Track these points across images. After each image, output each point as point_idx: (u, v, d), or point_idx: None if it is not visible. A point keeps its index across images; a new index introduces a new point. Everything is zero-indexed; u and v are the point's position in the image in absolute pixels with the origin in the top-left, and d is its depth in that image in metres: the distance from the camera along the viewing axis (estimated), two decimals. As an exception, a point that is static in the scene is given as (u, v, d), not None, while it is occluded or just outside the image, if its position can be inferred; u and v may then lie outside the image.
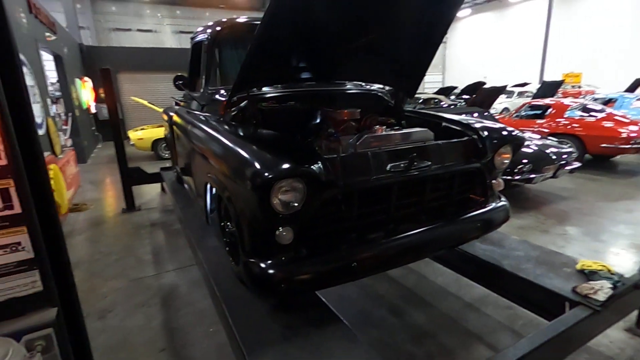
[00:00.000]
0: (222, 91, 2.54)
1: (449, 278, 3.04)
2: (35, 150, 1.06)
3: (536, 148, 4.87)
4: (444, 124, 2.29)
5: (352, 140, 1.86)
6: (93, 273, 3.40)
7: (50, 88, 7.85)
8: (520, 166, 4.48)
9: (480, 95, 9.18)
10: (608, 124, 6.37)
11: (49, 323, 1.00)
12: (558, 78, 14.75)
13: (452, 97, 12.87)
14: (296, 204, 1.50)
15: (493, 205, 2.19)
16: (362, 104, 2.40)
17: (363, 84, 2.72)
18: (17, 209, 1.01)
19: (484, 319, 2.54)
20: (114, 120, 4.90)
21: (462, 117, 2.32)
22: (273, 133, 1.90)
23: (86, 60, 12.36)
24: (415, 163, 1.79)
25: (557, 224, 4.22)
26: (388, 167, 1.75)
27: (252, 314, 1.69)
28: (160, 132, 8.17)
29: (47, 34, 7.53)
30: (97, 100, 11.96)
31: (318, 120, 2.31)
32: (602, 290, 1.76)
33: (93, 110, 11.74)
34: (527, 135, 5.44)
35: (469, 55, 27.30)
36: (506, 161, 2.16)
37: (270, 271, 1.56)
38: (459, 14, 27.38)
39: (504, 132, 2.14)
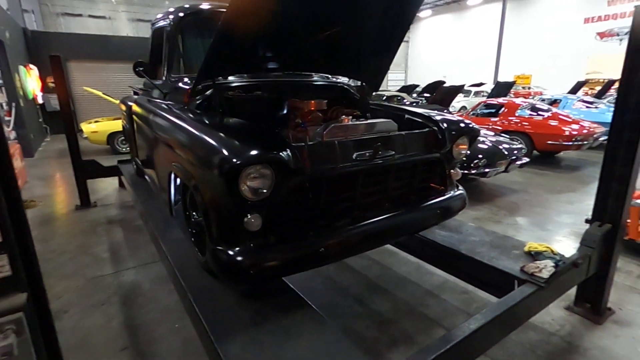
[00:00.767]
0: (186, 79, 2.48)
1: (410, 267, 3.19)
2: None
3: (490, 144, 5.17)
4: (407, 116, 2.39)
5: (319, 129, 1.89)
6: (44, 273, 3.14)
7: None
8: (476, 161, 4.76)
9: (440, 94, 9.59)
10: (553, 123, 6.89)
11: (19, 307, 0.99)
12: (510, 79, 15.74)
13: (414, 95, 13.31)
14: (265, 191, 1.51)
15: (451, 193, 2.33)
16: (329, 95, 2.44)
17: (330, 76, 2.77)
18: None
19: (442, 304, 2.71)
20: (65, 111, 4.59)
21: (423, 110, 2.43)
22: (240, 121, 1.89)
23: (31, 47, 11.42)
24: (379, 152, 1.87)
25: (509, 214, 4.54)
26: (354, 156, 1.80)
27: (220, 303, 1.68)
28: (116, 125, 7.74)
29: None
30: (45, 90, 11.11)
31: (285, 110, 2.32)
32: (545, 268, 1.94)
33: (40, 100, 10.87)
34: (482, 132, 5.77)
35: (430, 54, 28.29)
36: (463, 152, 2.29)
37: (239, 258, 1.56)
38: (421, 14, 28.24)
39: (462, 124, 2.27)
